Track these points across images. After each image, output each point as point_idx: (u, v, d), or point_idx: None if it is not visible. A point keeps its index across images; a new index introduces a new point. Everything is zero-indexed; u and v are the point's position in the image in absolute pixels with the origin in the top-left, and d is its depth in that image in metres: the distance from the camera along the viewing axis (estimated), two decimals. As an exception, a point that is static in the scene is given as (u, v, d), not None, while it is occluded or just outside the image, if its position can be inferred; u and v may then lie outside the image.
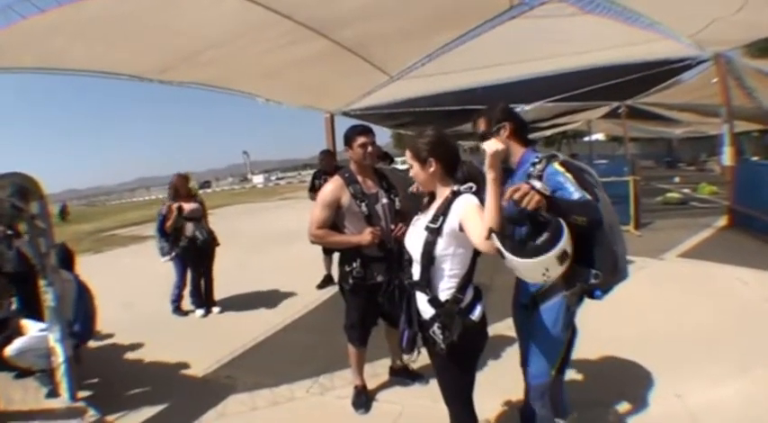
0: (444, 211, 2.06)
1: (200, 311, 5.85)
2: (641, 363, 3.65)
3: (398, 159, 12.82)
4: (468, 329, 2.05)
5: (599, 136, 30.33)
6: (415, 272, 2.18)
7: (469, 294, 2.13)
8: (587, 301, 2.40)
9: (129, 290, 7.45)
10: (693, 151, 28.98)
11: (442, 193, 2.15)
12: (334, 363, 3.99)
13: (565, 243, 1.80)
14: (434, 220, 2.07)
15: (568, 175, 2.17)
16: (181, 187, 5.79)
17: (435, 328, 2.07)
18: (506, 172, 2.35)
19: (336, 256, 4.13)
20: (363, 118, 9.49)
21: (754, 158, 17.06)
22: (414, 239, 2.17)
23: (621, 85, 8.92)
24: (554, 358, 2.42)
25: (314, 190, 6.18)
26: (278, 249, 9.94)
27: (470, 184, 2.08)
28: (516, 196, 1.83)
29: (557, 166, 2.21)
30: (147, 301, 6.46)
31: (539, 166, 2.25)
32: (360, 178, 3.20)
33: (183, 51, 4.99)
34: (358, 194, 3.12)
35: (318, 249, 6.23)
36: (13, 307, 3.96)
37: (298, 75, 6.48)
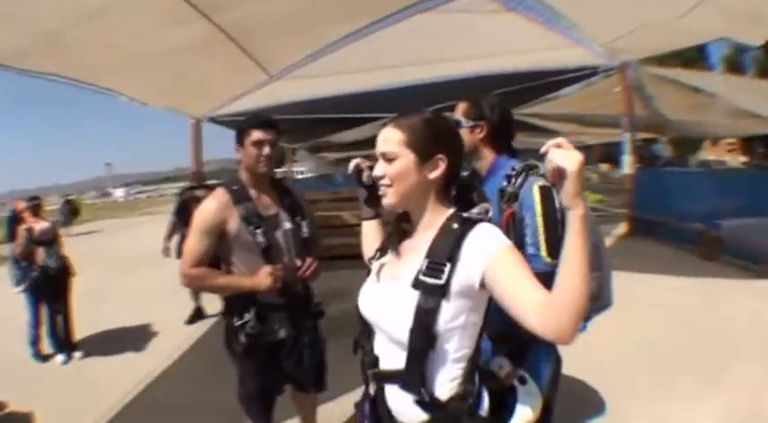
0: (451, 253, 1.22)
1: (60, 357, 5.04)
2: (593, 386, 3.38)
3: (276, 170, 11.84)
4: None
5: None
6: (391, 356, 1.33)
7: (477, 381, 1.37)
8: None
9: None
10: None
11: (436, 218, 1.32)
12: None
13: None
14: (435, 269, 1.22)
15: (539, 211, 1.74)
16: (21, 211, 5.09)
17: None
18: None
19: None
20: (233, 125, 8.22)
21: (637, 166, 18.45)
22: (388, 306, 1.32)
23: (509, 93, 8.68)
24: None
25: (185, 220, 5.11)
26: (141, 273, 8.89)
27: (486, 206, 1.32)
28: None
29: (534, 190, 1.75)
30: (7, 339, 5.44)
31: (516, 181, 1.83)
32: (254, 193, 2.33)
33: (40, 30, 3.63)
34: (251, 217, 2.26)
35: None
36: None
37: (167, 68, 5.21)
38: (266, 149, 2.27)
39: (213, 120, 8.24)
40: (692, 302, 5.04)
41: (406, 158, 1.29)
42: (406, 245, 1.39)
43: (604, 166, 30.23)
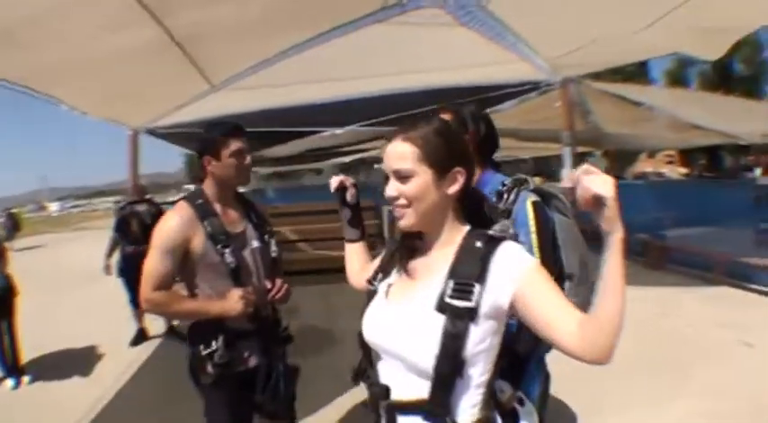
0: (480, 273, 1.14)
1: (10, 382, 4.89)
2: (561, 398, 3.36)
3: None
4: None
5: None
6: (406, 385, 1.21)
7: (493, 406, 1.29)
8: None
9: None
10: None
11: (454, 235, 1.24)
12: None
13: None
14: (463, 290, 1.13)
15: (533, 227, 1.65)
16: None
17: None
18: None
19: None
20: (172, 138, 7.93)
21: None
22: (405, 331, 1.20)
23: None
24: None
25: (126, 236, 4.87)
26: (81, 290, 8.69)
27: (507, 223, 1.27)
28: None
29: (528, 206, 1.69)
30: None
31: (509, 197, 1.76)
32: (219, 208, 2.12)
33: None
34: (218, 235, 2.05)
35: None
36: None
37: (110, 75, 4.88)
38: (247, 159, 2.10)
39: (151, 132, 7.80)
40: (646, 311, 5.21)
41: (424, 175, 1.19)
42: (419, 264, 1.28)
43: (537, 180, 31.01)
